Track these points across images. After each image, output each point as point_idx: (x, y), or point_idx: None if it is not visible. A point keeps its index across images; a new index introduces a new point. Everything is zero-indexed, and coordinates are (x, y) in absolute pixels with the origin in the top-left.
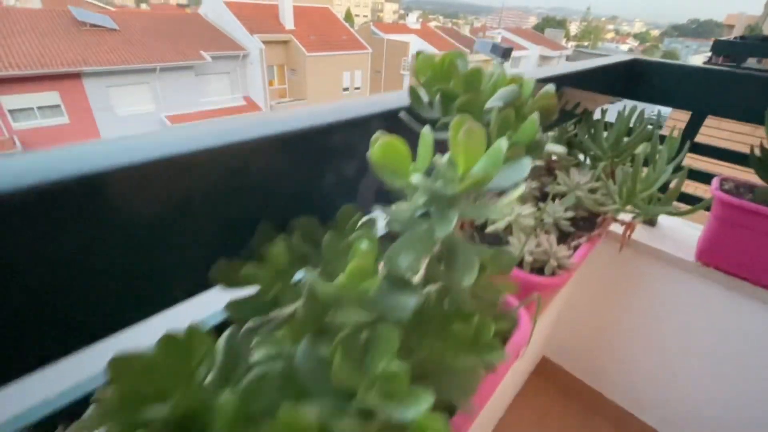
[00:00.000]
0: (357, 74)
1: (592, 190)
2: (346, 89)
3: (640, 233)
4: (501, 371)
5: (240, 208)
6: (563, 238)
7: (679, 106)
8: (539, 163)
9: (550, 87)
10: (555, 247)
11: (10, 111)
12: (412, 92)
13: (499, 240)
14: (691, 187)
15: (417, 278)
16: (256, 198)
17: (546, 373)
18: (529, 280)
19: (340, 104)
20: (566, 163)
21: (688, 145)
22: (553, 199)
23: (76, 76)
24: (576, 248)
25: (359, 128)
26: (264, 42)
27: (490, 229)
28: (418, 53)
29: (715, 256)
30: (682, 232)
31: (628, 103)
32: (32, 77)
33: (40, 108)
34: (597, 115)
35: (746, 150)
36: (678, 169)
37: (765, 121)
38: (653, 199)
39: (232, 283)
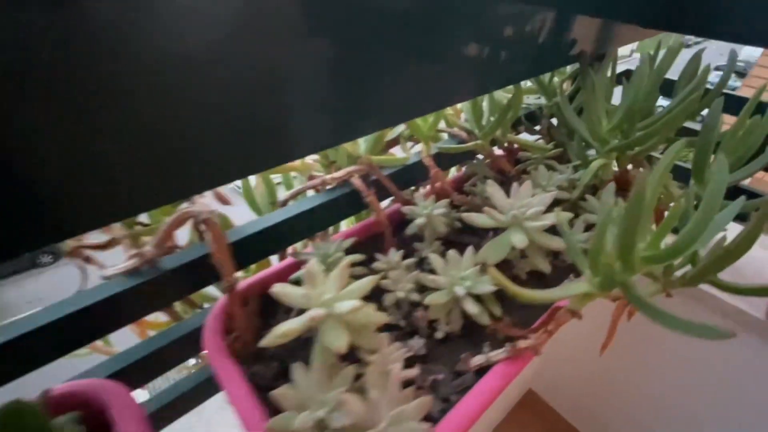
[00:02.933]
0: None
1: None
2: None
3: None
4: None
5: None
6: (470, 339)
7: None
8: (480, 156)
9: None
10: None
11: None
12: None
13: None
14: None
15: None
16: None
17: (532, 407)
18: None
19: None
20: (540, 155)
21: None
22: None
23: None
24: (484, 370)
25: None
26: None
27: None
28: None
29: None
30: (750, 261)
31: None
32: None
33: None
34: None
35: None
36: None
37: None
38: (681, 265)
39: None
